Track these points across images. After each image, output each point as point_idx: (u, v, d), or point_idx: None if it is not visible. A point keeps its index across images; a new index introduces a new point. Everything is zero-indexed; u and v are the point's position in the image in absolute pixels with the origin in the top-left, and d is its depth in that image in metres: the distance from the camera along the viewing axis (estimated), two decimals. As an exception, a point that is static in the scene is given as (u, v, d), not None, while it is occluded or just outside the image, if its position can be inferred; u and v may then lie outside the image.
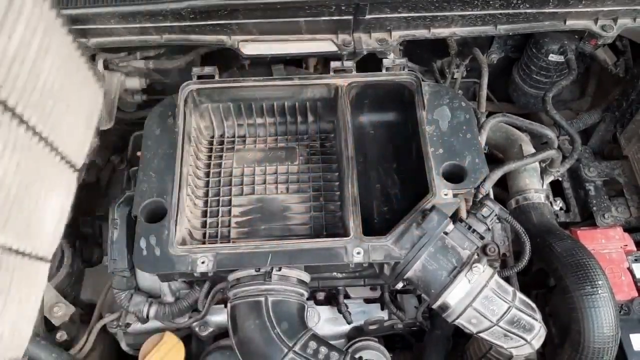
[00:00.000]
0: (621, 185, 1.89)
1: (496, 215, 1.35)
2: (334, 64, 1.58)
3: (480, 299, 1.26)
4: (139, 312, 1.51)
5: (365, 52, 1.66)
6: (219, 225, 1.47)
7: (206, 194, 1.53)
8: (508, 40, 2.02)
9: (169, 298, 1.56)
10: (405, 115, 1.61)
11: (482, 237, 1.33)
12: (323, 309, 1.61)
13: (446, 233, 1.30)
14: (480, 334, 1.31)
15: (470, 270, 1.26)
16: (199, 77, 1.54)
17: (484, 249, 1.54)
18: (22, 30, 0.76)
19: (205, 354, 1.54)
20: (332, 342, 1.32)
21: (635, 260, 1.59)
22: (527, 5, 1.59)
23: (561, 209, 1.83)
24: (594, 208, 1.82)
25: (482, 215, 1.33)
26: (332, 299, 1.64)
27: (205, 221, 1.48)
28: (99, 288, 1.70)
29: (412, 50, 2.05)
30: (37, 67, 0.82)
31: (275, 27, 1.63)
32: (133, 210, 1.37)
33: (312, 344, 1.27)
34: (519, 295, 1.32)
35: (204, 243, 1.43)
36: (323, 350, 1.26)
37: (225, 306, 1.42)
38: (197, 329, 1.58)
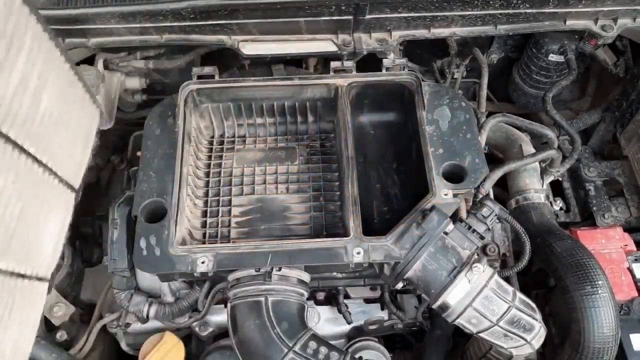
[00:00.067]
0: (621, 185, 1.89)
1: (496, 215, 1.35)
2: (334, 64, 1.58)
3: (480, 299, 1.26)
4: (139, 312, 1.51)
5: (365, 52, 1.66)
6: (219, 225, 1.47)
7: (206, 194, 1.53)
8: (508, 40, 2.02)
9: (169, 298, 1.56)
10: (405, 115, 1.61)
11: (482, 237, 1.33)
12: (323, 309, 1.61)
13: (446, 233, 1.30)
14: (480, 334, 1.31)
15: (470, 270, 1.26)
16: (199, 77, 1.54)
17: (484, 249, 1.54)
18: (23, 66, 0.78)
19: (205, 354, 1.54)
20: (332, 342, 1.32)
21: (635, 260, 1.58)
22: (527, 5, 1.59)
23: (561, 209, 1.83)
24: (594, 208, 1.82)
25: (482, 215, 1.33)
26: (332, 299, 1.64)
27: (205, 221, 1.48)
28: (99, 288, 1.70)
29: (412, 50, 2.05)
30: (36, 98, 0.83)
31: (275, 27, 1.63)
32: (133, 210, 1.37)
33: (312, 344, 1.27)
34: (519, 295, 1.32)
35: (204, 243, 1.43)
36: (323, 350, 1.26)
37: (225, 306, 1.42)
38: (197, 329, 1.58)
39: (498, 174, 1.58)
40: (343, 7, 1.54)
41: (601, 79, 2.18)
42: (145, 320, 1.54)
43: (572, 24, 1.68)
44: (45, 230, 0.93)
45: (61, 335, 1.63)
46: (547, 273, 1.60)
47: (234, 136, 1.65)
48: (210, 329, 1.60)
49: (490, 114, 1.72)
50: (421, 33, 1.69)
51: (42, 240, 0.93)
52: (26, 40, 0.79)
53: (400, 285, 1.36)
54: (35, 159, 0.85)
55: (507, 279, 1.47)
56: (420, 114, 1.50)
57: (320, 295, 1.66)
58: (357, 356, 1.34)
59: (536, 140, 1.86)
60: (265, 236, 1.46)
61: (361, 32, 1.67)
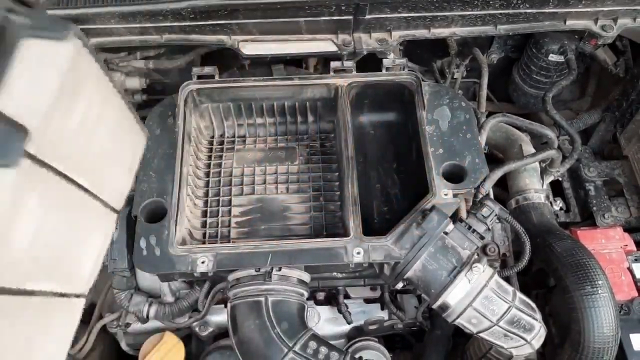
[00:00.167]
0: (621, 185, 1.89)
1: (496, 215, 1.35)
2: (334, 64, 1.58)
3: (480, 299, 1.26)
4: (139, 312, 1.52)
5: (365, 52, 1.66)
6: (219, 225, 1.47)
7: (206, 194, 1.53)
8: (508, 40, 2.02)
9: (169, 298, 1.56)
10: (405, 115, 1.61)
11: (482, 237, 1.33)
12: (323, 309, 1.61)
13: (446, 233, 1.30)
14: (480, 334, 1.31)
15: (470, 270, 1.26)
16: (199, 77, 1.54)
17: (484, 249, 1.53)
18: (83, 108, 0.81)
19: (205, 354, 1.54)
20: (332, 342, 1.32)
21: (635, 260, 1.58)
22: (527, 5, 1.59)
23: (561, 209, 1.83)
24: (594, 208, 1.82)
25: (482, 215, 1.34)
26: (332, 299, 1.64)
27: (205, 221, 1.48)
28: (99, 288, 1.70)
29: (412, 50, 2.05)
30: (92, 137, 0.86)
31: (275, 27, 1.63)
32: (133, 210, 1.37)
33: (312, 344, 1.27)
34: (519, 295, 1.32)
35: (204, 243, 1.43)
36: (323, 350, 1.26)
37: (225, 306, 1.42)
38: (197, 329, 1.58)
39: (498, 174, 1.58)
40: (343, 7, 1.54)
41: (601, 79, 2.18)
42: (145, 320, 1.54)
43: (572, 24, 1.68)
44: (88, 250, 0.96)
45: (61, 336, 1.63)
46: (547, 273, 1.60)
47: (234, 136, 1.65)
48: (210, 329, 1.60)
49: (490, 114, 1.72)
50: (421, 33, 1.69)
51: (84, 260, 0.95)
52: (87, 85, 0.81)
53: (400, 285, 1.36)
54: (86, 190, 0.88)
55: (507, 279, 1.47)
56: (420, 114, 1.50)
57: (320, 295, 1.66)
58: (357, 356, 1.34)
59: (536, 140, 1.86)
60: (265, 236, 1.46)
61: (361, 32, 1.67)
